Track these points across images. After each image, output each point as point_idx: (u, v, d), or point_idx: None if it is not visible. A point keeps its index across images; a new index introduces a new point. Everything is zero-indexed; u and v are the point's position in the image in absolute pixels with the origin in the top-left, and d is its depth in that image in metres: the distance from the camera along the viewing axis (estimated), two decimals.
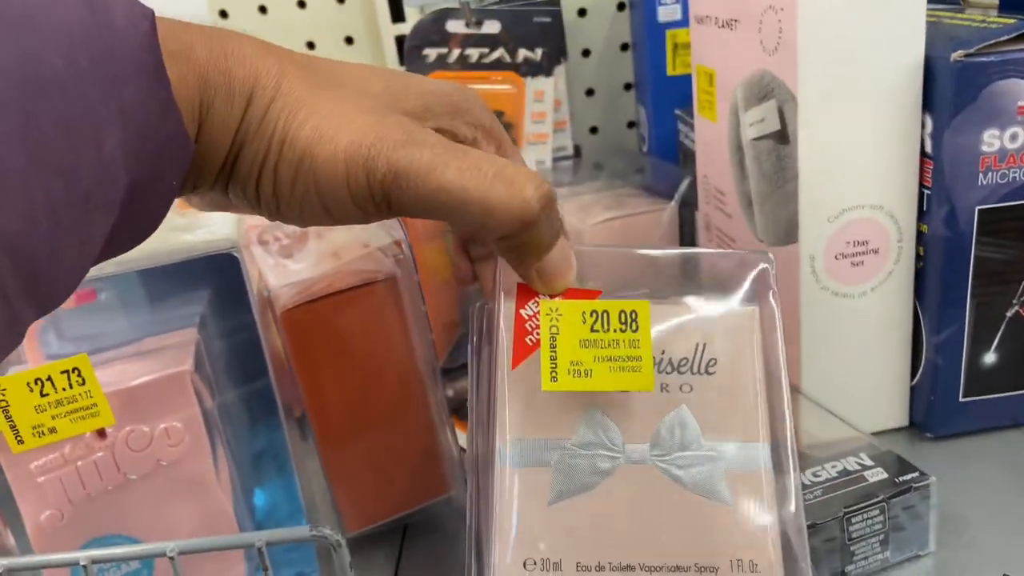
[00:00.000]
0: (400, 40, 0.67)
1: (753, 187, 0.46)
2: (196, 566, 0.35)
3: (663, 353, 0.29)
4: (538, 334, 0.28)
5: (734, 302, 0.30)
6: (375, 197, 0.25)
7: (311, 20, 0.71)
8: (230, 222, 0.36)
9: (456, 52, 0.62)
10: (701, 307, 0.30)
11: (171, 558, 0.29)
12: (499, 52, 0.62)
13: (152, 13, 0.22)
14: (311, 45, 0.71)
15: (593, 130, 0.74)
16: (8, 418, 0.31)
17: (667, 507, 0.28)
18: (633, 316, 0.28)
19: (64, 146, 0.19)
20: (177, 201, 0.26)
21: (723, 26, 0.46)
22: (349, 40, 0.71)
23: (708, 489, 0.28)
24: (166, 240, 0.35)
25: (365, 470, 0.41)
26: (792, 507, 0.29)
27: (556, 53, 0.63)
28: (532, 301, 0.28)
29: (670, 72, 0.62)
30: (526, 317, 0.28)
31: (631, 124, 0.74)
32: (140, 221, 0.24)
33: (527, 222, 0.25)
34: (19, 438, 0.32)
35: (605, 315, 0.28)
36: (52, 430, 0.32)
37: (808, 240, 0.42)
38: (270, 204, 0.26)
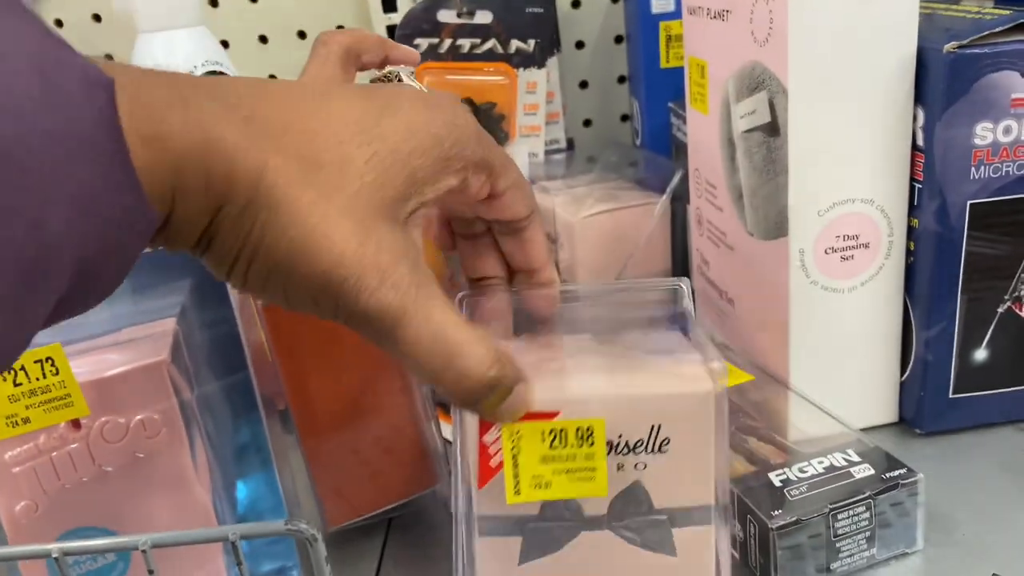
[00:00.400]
0: (391, 30, 0.67)
1: (743, 180, 0.45)
2: (174, 559, 0.34)
3: (620, 437, 0.31)
4: (501, 456, 0.30)
5: (692, 370, 0.31)
6: (339, 320, 0.25)
7: (302, 8, 0.70)
8: None
9: (448, 42, 0.61)
10: (658, 387, 0.31)
11: (144, 551, 0.28)
12: (491, 43, 0.61)
13: (111, 84, 0.20)
14: (302, 34, 0.71)
15: (587, 123, 0.73)
16: None
17: (621, 563, 0.32)
18: (589, 432, 0.30)
19: (3, 224, 0.18)
20: None
21: (715, 17, 0.46)
22: (339, 28, 0.70)
23: (657, 545, 0.32)
24: None
25: (349, 464, 0.41)
26: (725, 549, 0.32)
27: (549, 44, 0.63)
28: (495, 427, 0.30)
29: (663, 64, 0.62)
30: (488, 443, 0.30)
31: (624, 117, 0.74)
32: (93, 291, 0.22)
33: (469, 403, 0.27)
34: None
35: (563, 433, 0.30)
36: (26, 420, 0.32)
37: (798, 234, 0.42)
38: (237, 286, 0.26)
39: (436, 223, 0.36)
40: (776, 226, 0.43)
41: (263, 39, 0.71)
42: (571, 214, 0.57)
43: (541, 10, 0.61)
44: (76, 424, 0.33)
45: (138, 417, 0.33)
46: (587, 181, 0.64)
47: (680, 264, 0.60)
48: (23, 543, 0.33)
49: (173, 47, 0.56)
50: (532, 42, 0.62)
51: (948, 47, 0.38)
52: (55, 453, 0.33)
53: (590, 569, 0.32)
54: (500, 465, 0.30)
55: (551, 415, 0.30)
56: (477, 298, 0.36)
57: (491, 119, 0.63)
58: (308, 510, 0.41)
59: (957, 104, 0.38)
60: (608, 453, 0.30)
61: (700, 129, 0.51)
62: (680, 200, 0.58)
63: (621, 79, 0.72)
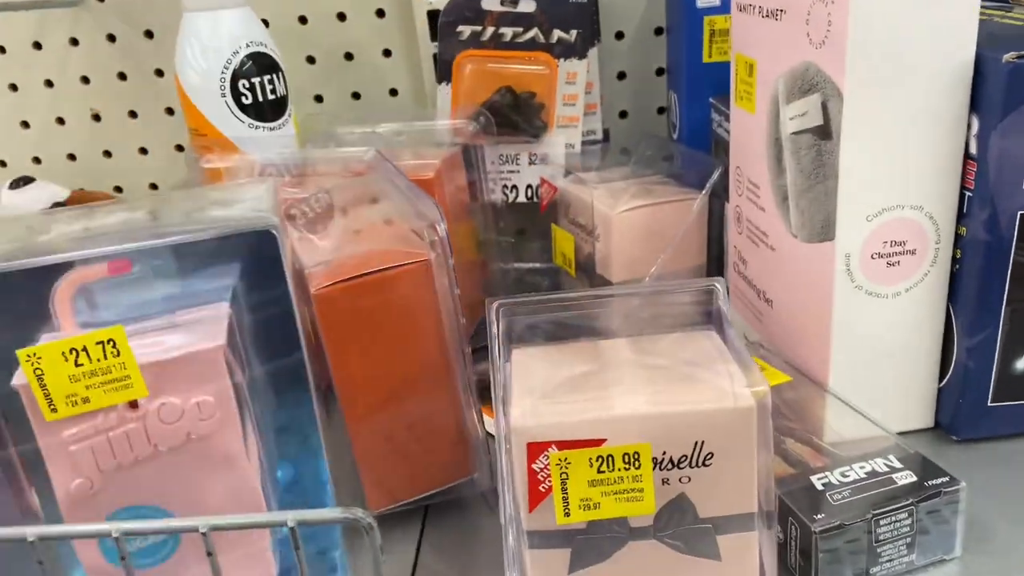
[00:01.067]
0: (432, 14, 0.67)
1: (790, 182, 0.45)
2: (222, 538, 0.35)
3: (664, 453, 0.31)
4: (550, 482, 0.31)
5: (732, 384, 0.32)
6: None
7: None
8: (267, 196, 0.36)
9: (490, 30, 0.61)
10: (701, 403, 0.31)
11: (203, 534, 0.29)
12: (533, 32, 0.61)
13: None
14: (342, 16, 0.71)
15: (623, 114, 0.73)
16: (42, 386, 0.31)
17: (668, 568, 0.33)
18: (636, 456, 0.31)
19: None
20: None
21: (767, 15, 0.46)
22: (380, 13, 0.70)
23: (702, 551, 0.33)
24: (203, 213, 0.35)
25: (391, 450, 0.41)
26: (769, 553, 0.33)
27: (591, 35, 0.62)
28: (543, 455, 0.31)
29: (706, 59, 0.61)
30: (538, 471, 0.31)
31: (661, 110, 0.73)
32: None
33: None
34: (52, 407, 0.32)
35: (610, 459, 0.31)
36: (85, 400, 0.32)
37: (845, 238, 0.41)
38: None
39: None
40: (822, 229, 0.43)
41: (303, 20, 0.71)
42: (609, 207, 0.57)
43: (583, 0, 0.61)
44: (133, 404, 0.33)
45: (194, 400, 0.34)
46: (623, 174, 0.64)
47: (715, 260, 0.60)
48: (77, 520, 0.34)
49: (217, 27, 0.56)
50: (574, 32, 0.62)
51: (1008, 57, 0.37)
52: (112, 432, 0.33)
53: (637, 575, 0.33)
54: (549, 490, 0.31)
55: (599, 442, 0.31)
56: (512, 306, 0.37)
57: (530, 108, 0.63)
58: (347, 494, 0.42)
59: (1014, 114, 0.38)
60: (654, 469, 0.31)
61: (744, 127, 0.51)
62: (718, 196, 0.58)
63: (659, 71, 0.72)
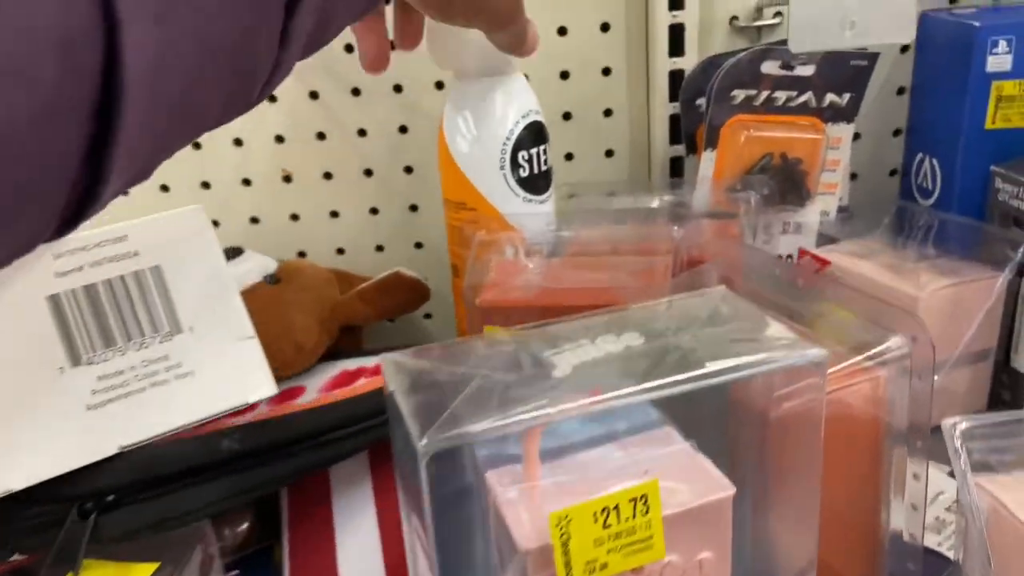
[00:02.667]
0: (674, 75, 0.63)
1: None
2: None
3: None
4: None
5: None
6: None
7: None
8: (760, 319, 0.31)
9: (764, 94, 0.57)
10: None
11: None
12: (807, 95, 0.57)
13: None
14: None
15: (852, 176, 0.69)
16: (565, 552, 0.26)
17: None
18: None
19: None
20: None
21: None
22: (607, 71, 0.66)
23: None
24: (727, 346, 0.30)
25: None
26: None
27: (860, 98, 0.58)
28: None
29: (988, 125, 0.57)
30: None
31: (893, 172, 0.69)
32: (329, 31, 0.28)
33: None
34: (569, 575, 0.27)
35: None
36: (604, 566, 0.27)
37: None
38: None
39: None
40: None
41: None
42: (914, 287, 0.53)
43: (865, 63, 0.57)
44: (637, 569, 0.28)
45: (697, 557, 0.29)
46: (878, 245, 0.60)
47: (1005, 341, 0.56)
48: None
49: (498, 95, 0.52)
50: (847, 96, 0.58)
51: None
52: None
53: None
54: None
55: None
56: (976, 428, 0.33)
57: (796, 176, 0.59)
58: None
59: None
60: None
61: None
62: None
63: (895, 132, 0.68)
